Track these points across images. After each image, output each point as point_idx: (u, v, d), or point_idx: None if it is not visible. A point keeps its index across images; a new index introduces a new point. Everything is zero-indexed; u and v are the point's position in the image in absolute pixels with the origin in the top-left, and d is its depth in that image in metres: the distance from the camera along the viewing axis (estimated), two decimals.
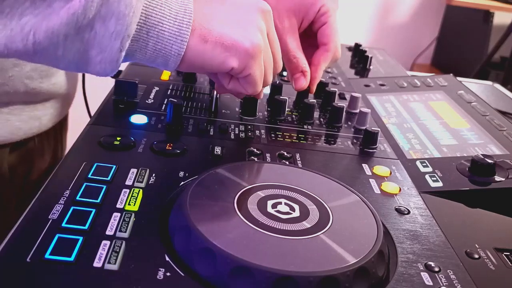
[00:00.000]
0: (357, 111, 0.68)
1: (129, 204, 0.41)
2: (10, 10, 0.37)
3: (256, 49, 0.48)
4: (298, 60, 0.62)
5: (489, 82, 1.15)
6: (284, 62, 0.63)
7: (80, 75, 0.80)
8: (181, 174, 0.47)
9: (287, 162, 0.53)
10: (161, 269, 0.35)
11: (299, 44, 0.63)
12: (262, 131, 0.60)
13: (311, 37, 0.66)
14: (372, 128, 0.60)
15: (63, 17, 0.38)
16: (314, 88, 0.66)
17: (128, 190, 0.43)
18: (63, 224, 0.38)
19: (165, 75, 0.73)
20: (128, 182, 0.45)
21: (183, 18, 0.44)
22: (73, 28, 0.38)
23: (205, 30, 0.46)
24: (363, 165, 0.55)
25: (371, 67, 0.93)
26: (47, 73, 0.66)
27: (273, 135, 0.59)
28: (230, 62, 0.47)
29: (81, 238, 0.36)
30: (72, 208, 0.40)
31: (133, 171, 0.46)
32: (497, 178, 0.53)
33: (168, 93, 0.67)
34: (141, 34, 0.43)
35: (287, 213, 0.41)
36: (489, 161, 0.54)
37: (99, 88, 0.82)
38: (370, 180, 0.52)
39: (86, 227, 0.38)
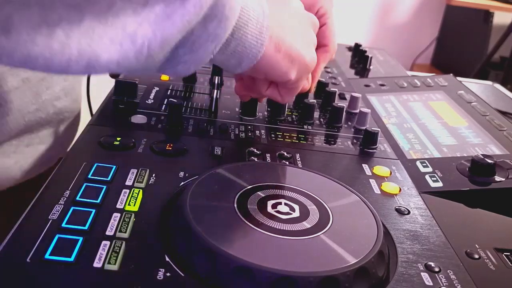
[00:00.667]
0: (357, 111, 0.68)
1: (129, 205, 0.41)
2: (113, 18, 0.31)
3: (313, 64, 0.51)
4: None
5: (489, 82, 1.15)
6: None
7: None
8: (181, 174, 0.47)
9: (287, 162, 0.53)
10: (161, 269, 0.35)
11: None
12: (262, 131, 0.60)
13: None
14: (372, 128, 0.60)
15: (178, 25, 0.33)
16: (313, 88, 0.66)
17: (128, 191, 0.43)
18: (63, 225, 0.38)
19: (165, 76, 0.73)
20: (128, 182, 0.45)
21: (263, 21, 0.43)
22: (184, 34, 0.35)
23: (279, 39, 0.46)
24: (363, 165, 0.55)
25: (371, 67, 0.93)
26: (70, 89, 0.66)
27: (273, 135, 0.59)
28: (292, 73, 0.49)
29: (81, 239, 0.36)
30: (72, 208, 0.40)
31: (133, 171, 0.46)
32: (497, 178, 0.53)
33: (168, 93, 0.67)
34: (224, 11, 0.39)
35: (287, 213, 0.41)
36: (489, 161, 0.54)
37: (99, 88, 0.82)
38: (370, 180, 0.52)
39: (86, 228, 0.38)
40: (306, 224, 0.40)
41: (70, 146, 0.52)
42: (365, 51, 0.95)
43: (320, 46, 0.64)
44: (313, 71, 0.64)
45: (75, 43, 0.29)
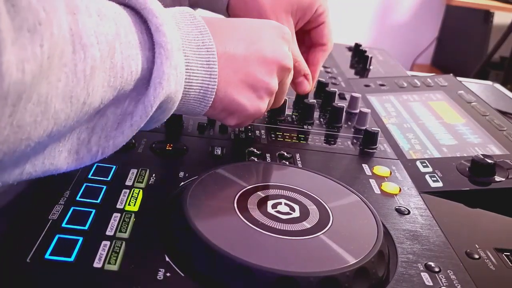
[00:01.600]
0: (357, 111, 0.68)
1: (129, 205, 0.41)
2: (70, 134, 0.36)
3: (259, 115, 0.49)
4: (300, 64, 0.61)
5: (489, 82, 1.15)
6: None
7: None
8: (181, 174, 0.47)
9: (287, 162, 0.53)
10: (161, 269, 0.35)
11: (297, 47, 0.62)
12: (262, 131, 0.60)
13: (300, 34, 0.65)
14: (372, 128, 0.60)
15: (128, 134, 0.39)
16: (313, 87, 0.65)
17: (128, 191, 0.43)
18: (63, 225, 0.38)
19: None
20: (128, 182, 0.45)
21: (208, 85, 0.43)
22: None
23: (218, 98, 0.45)
24: (363, 165, 0.55)
25: (371, 67, 0.93)
26: None
27: (273, 135, 0.59)
28: (230, 121, 0.48)
29: (81, 239, 0.36)
30: (72, 208, 0.40)
31: (133, 171, 0.46)
32: (497, 178, 0.53)
33: None
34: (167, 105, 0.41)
35: (287, 213, 0.41)
36: (489, 161, 0.54)
37: None
38: (370, 180, 0.52)
39: (86, 228, 0.38)
40: (306, 224, 0.40)
41: None
42: (365, 51, 0.95)
43: (318, 45, 0.64)
44: (313, 71, 0.64)
45: (39, 167, 0.35)
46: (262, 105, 0.48)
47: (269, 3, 0.61)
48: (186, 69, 0.41)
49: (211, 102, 0.44)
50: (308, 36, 0.65)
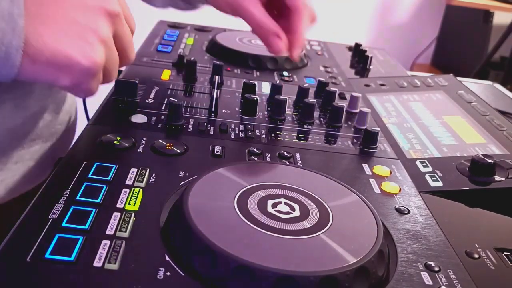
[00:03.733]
0: (357, 111, 0.68)
1: (129, 204, 0.42)
2: None
3: (95, 68, 0.42)
4: (266, 24, 0.60)
5: (489, 82, 1.15)
6: (255, 32, 0.62)
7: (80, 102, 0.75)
8: (181, 174, 0.47)
9: (287, 162, 0.53)
10: (161, 269, 0.35)
11: (263, 10, 0.61)
12: (262, 130, 0.60)
13: (276, 8, 0.64)
14: (372, 128, 0.60)
15: None
16: (295, 52, 0.62)
17: (128, 190, 0.43)
18: (63, 224, 0.38)
19: (165, 75, 0.73)
20: (128, 181, 0.45)
21: (11, 40, 0.37)
22: None
23: (34, 50, 0.39)
24: (363, 164, 0.55)
25: (371, 67, 0.93)
26: (61, 100, 0.63)
27: (273, 134, 0.59)
28: (62, 81, 0.42)
29: (81, 238, 0.36)
30: (72, 207, 0.40)
31: (133, 170, 0.46)
32: (497, 178, 0.53)
33: (168, 92, 0.67)
34: None
35: (287, 212, 0.41)
36: (489, 161, 0.54)
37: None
38: (370, 179, 0.52)
39: (86, 227, 0.38)
40: (306, 224, 0.40)
41: (71, 146, 0.51)
42: (365, 51, 0.95)
43: (292, 9, 0.62)
44: (295, 39, 0.61)
45: None
46: (95, 53, 0.42)
47: None
48: None
49: (18, 60, 0.38)
50: (280, 7, 0.63)
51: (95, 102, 0.68)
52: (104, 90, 0.66)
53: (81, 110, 0.83)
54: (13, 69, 0.39)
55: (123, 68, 0.75)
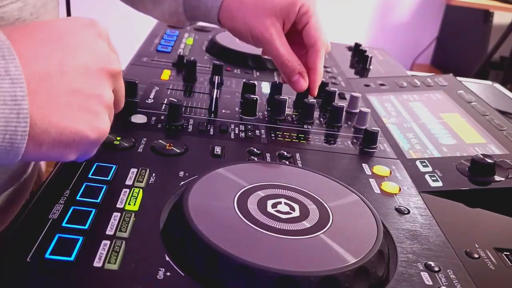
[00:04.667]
0: (357, 110, 0.68)
1: (129, 204, 0.42)
2: None
3: (103, 137, 0.40)
4: (292, 63, 0.61)
5: (489, 82, 1.16)
6: (279, 68, 0.63)
7: None
8: (181, 174, 0.47)
9: (287, 162, 0.53)
10: (161, 269, 0.35)
11: (288, 47, 0.62)
12: (262, 131, 0.60)
13: (295, 35, 0.64)
14: (372, 128, 0.60)
15: None
16: (316, 90, 0.64)
17: (128, 190, 0.43)
18: (63, 224, 0.38)
19: (165, 75, 0.73)
20: (128, 182, 0.45)
21: (16, 127, 0.33)
22: None
23: (40, 132, 0.35)
24: (363, 164, 0.55)
25: (371, 67, 0.93)
26: None
27: (273, 135, 0.59)
28: (70, 157, 0.38)
29: (81, 238, 0.36)
30: (72, 208, 0.40)
31: (133, 171, 0.46)
32: (497, 178, 0.53)
33: (168, 92, 0.67)
34: None
35: (287, 212, 0.41)
36: (489, 161, 0.54)
37: None
38: (370, 179, 0.52)
39: (86, 227, 0.38)
40: (306, 224, 0.40)
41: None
42: (365, 51, 0.95)
43: (310, 45, 0.63)
44: (312, 74, 0.63)
45: None
46: (103, 123, 0.39)
47: (252, 10, 0.61)
48: None
49: (23, 148, 0.34)
50: (301, 37, 0.64)
51: None
52: None
53: None
54: (17, 157, 0.35)
55: (123, 67, 0.75)
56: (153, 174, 0.46)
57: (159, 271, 0.35)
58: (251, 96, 0.64)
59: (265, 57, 0.77)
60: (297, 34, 0.64)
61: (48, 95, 0.35)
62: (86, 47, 0.39)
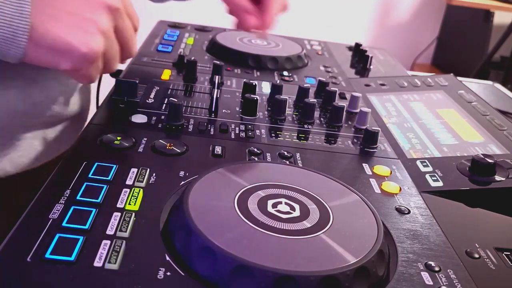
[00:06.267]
0: (358, 110, 0.68)
1: (129, 204, 0.42)
2: None
3: (93, 54, 0.46)
4: (240, 2, 0.65)
5: (489, 82, 1.15)
6: (229, 10, 0.67)
7: (93, 93, 0.79)
8: (181, 173, 0.47)
9: (287, 162, 0.53)
10: (161, 268, 0.35)
11: None
12: (263, 130, 0.60)
13: None
14: (373, 128, 0.60)
15: None
16: (266, 28, 0.68)
17: (128, 190, 0.43)
18: (64, 224, 0.38)
19: (166, 75, 0.73)
20: (129, 181, 0.45)
21: (18, 23, 0.42)
22: None
23: (38, 35, 0.44)
24: (363, 164, 0.55)
25: (371, 66, 0.93)
26: (69, 95, 0.66)
27: (273, 134, 0.59)
28: (63, 65, 0.46)
29: (81, 238, 0.36)
30: (72, 207, 0.40)
31: (134, 170, 0.46)
32: (497, 177, 0.53)
33: (168, 92, 0.67)
34: None
35: (288, 212, 0.41)
36: (490, 160, 0.54)
37: (103, 87, 0.82)
38: (371, 179, 0.52)
39: (86, 227, 0.38)
40: (306, 224, 0.40)
41: (70, 146, 0.52)
42: (366, 51, 0.95)
43: None
44: (266, 14, 0.67)
45: None
46: (94, 42, 0.46)
47: None
48: None
49: (24, 42, 0.43)
50: None
51: (95, 102, 0.68)
52: (106, 89, 0.67)
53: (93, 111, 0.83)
54: (19, 50, 0.43)
55: (123, 67, 0.75)
56: (154, 174, 0.46)
57: (159, 271, 0.35)
58: (252, 96, 0.64)
59: (265, 53, 0.78)
60: None
61: (49, 9, 0.44)
62: None
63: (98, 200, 0.41)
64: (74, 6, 0.45)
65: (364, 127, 0.62)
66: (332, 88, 0.70)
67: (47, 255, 0.34)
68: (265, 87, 0.74)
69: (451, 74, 0.85)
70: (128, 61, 0.77)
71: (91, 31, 0.46)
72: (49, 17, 0.44)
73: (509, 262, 0.42)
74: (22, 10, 0.42)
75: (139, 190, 0.43)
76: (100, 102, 0.79)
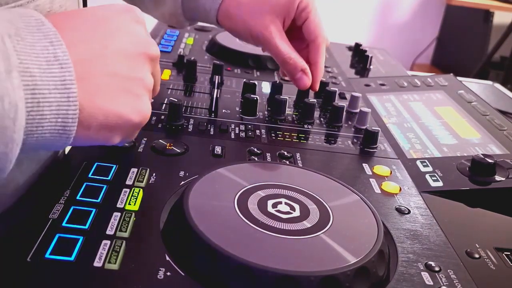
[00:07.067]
0: (358, 110, 0.68)
1: (129, 204, 0.41)
2: None
3: (146, 120, 0.41)
4: (294, 60, 0.61)
5: (489, 82, 1.15)
6: (281, 67, 0.63)
7: None
8: (181, 174, 0.47)
9: (287, 162, 0.53)
10: (161, 268, 0.35)
11: (289, 45, 0.62)
12: (263, 130, 0.60)
13: (295, 31, 0.65)
14: (372, 128, 0.60)
15: None
16: (317, 85, 0.65)
17: (128, 190, 0.43)
18: (64, 224, 0.38)
19: (165, 75, 0.73)
20: (129, 181, 0.45)
21: (67, 111, 0.34)
22: None
23: (88, 116, 0.36)
24: (363, 164, 0.55)
25: (371, 66, 0.93)
26: None
27: (273, 134, 0.59)
28: (115, 140, 0.40)
29: (81, 238, 0.36)
30: (72, 207, 0.40)
31: (134, 170, 0.46)
32: (497, 177, 0.53)
33: (168, 92, 0.67)
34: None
35: (288, 212, 0.41)
36: (490, 160, 0.54)
37: None
38: (371, 179, 0.52)
39: (86, 227, 0.38)
40: (306, 224, 0.40)
41: (71, 146, 0.51)
42: (365, 51, 0.95)
43: (310, 42, 0.63)
44: (314, 70, 0.64)
45: None
46: (145, 106, 0.41)
47: (250, 9, 0.62)
48: (31, 94, 0.32)
49: (74, 131, 0.35)
50: (301, 33, 0.64)
51: None
52: None
53: None
54: (69, 140, 0.35)
55: None
56: (153, 174, 0.46)
57: (160, 271, 0.35)
58: (252, 96, 0.64)
59: (265, 53, 0.77)
60: (297, 30, 0.64)
61: (92, 79, 0.36)
62: (124, 31, 0.40)
63: (98, 200, 0.41)
64: (117, 67, 0.38)
65: (364, 127, 0.62)
66: (332, 88, 0.70)
67: (47, 255, 0.34)
68: (265, 87, 0.74)
69: (451, 74, 0.85)
70: None
71: (139, 93, 0.40)
72: (95, 88, 0.36)
73: (509, 262, 0.42)
74: (68, 92, 0.34)
75: (139, 190, 0.43)
76: None
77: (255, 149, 0.54)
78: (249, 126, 0.61)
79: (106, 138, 0.39)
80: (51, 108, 0.33)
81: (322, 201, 0.44)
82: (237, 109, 0.65)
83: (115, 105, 0.38)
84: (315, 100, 0.66)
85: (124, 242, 0.37)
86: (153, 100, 0.47)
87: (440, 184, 0.53)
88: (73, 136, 0.35)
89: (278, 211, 0.41)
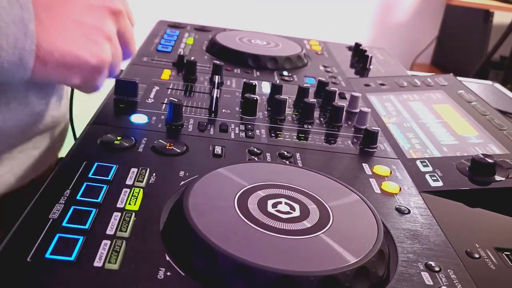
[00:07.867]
0: (357, 110, 0.68)
1: (129, 204, 0.41)
2: None
3: (103, 64, 0.45)
4: None
5: (489, 82, 1.16)
6: None
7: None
8: (181, 173, 0.47)
9: (287, 162, 0.53)
10: (161, 268, 0.35)
11: None
12: (262, 130, 0.60)
13: None
14: (372, 128, 0.60)
15: None
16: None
17: (128, 190, 0.43)
18: (64, 224, 0.38)
19: (165, 75, 0.73)
20: (129, 181, 0.45)
21: (24, 44, 0.39)
22: None
23: (45, 52, 0.41)
24: (363, 164, 0.55)
25: (371, 66, 0.93)
26: (64, 96, 0.65)
27: (273, 134, 0.59)
28: (73, 80, 0.44)
29: (81, 238, 0.36)
30: (72, 207, 0.40)
31: (134, 170, 0.46)
32: (497, 177, 0.53)
33: (168, 92, 0.67)
34: None
35: (288, 212, 0.41)
36: (489, 160, 0.54)
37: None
38: (370, 179, 0.52)
39: (86, 227, 0.38)
40: (306, 224, 0.40)
41: (71, 146, 0.51)
42: (365, 51, 0.95)
43: None
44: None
45: None
46: (103, 52, 0.45)
47: None
48: None
49: (31, 63, 0.40)
50: None
51: (95, 102, 0.68)
52: (103, 90, 0.66)
53: (83, 110, 0.82)
54: (27, 72, 0.40)
55: (123, 67, 0.75)
56: (154, 174, 0.46)
57: (160, 271, 0.35)
58: (251, 95, 0.64)
59: (265, 53, 0.77)
60: None
61: (53, 22, 0.42)
62: None
63: (98, 200, 0.41)
64: (79, 15, 0.44)
65: (364, 127, 0.62)
66: (331, 88, 0.70)
67: (47, 255, 0.34)
68: (265, 87, 0.74)
69: (451, 74, 0.85)
70: (128, 60, 0.77)
71: (98, 40, 0.44)
72: (54, 30, 0.42)
73: (509, 262, 0.42)
74: (26, 29, 0.39)
75: (139, 190, 0.43)
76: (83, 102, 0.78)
77: (255, 149, 0.54)
78: (249, 126, 0.61)
79: (64, 77, 0.43)
80: (8, 40, 0.38)
81: (322, 201, 0.44)
82: (237, 109, 0.65)
83: (72, 46, 0.42)
84: (315, 100, 0.66)
85: (124, 242, 0.37)
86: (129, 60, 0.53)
87: (440, 184, 0.53)
88: (31, 69, 0.40)
89: (278, 211, 0.41)
